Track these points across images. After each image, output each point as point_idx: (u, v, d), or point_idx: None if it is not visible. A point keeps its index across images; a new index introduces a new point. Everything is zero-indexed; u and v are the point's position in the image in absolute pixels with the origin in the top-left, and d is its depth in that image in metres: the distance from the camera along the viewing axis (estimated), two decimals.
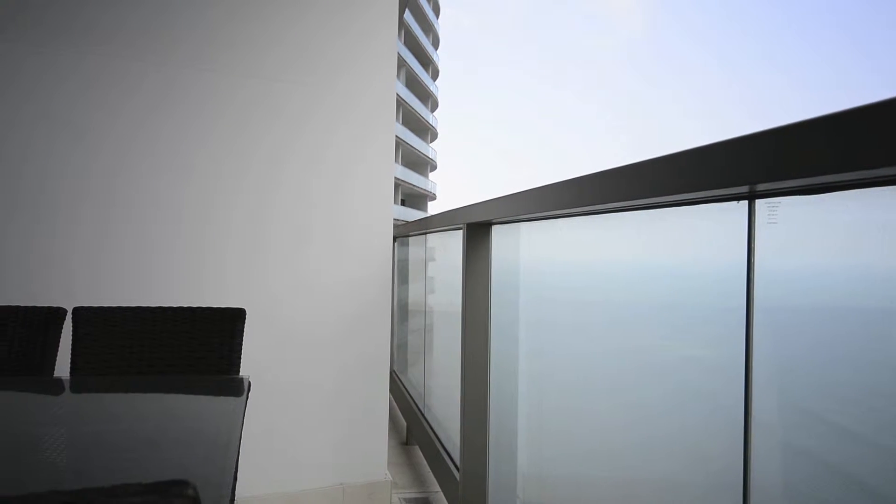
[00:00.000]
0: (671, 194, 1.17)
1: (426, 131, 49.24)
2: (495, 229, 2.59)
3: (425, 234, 4.10)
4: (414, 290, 4.66)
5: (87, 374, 1.94)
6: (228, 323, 2.04)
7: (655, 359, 1.41)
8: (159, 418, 1.46)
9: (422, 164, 49.10)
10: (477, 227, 2.60)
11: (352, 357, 3.06)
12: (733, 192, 1.09)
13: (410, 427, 4.14)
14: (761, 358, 1.06)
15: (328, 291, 3.01)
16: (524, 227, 2.42)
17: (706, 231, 1.21)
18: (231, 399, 1.59)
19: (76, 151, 2.62)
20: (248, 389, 1.70)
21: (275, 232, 2.91)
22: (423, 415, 3.90)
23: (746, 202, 1.09)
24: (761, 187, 1.05)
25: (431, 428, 3.58)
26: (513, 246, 2.55)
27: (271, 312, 2.91)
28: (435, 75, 51.88)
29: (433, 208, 53.95)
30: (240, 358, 2.05)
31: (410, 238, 4.71)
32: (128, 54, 2.69)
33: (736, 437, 1.08)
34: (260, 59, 2.88)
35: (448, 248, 3.58)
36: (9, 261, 2.48)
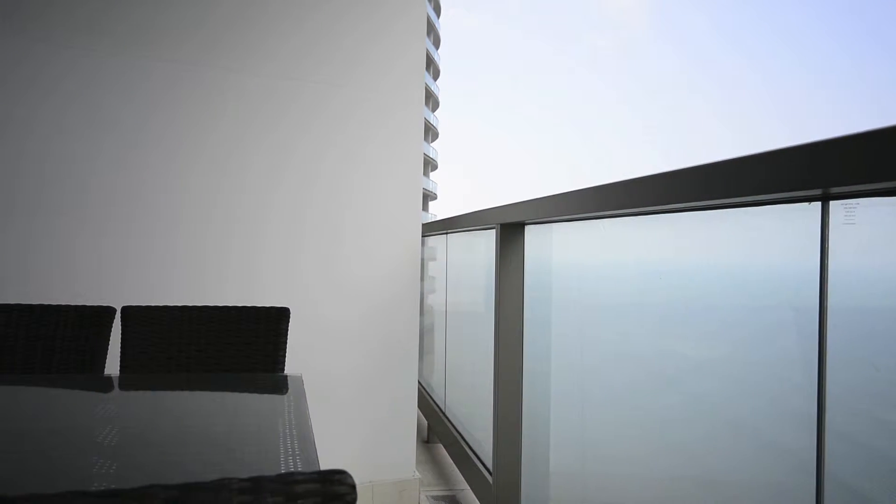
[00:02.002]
0: (741, 196, 1.20)
1: (427, 131, 49.32)
2: (528, 229, 2.62)
3: (446, 234, 4.13)
4: (429, 290, 4.69)
5: (138, 373, 1.96)
6: (274, 322, 2.07)
7: (715, 360, 1.43)
8: (229, 415, 1.48)
9: (423, 164, 49.13)
10: (510, 228, 2.62)
11: (381, 356, 3.08)
12: (805, 194, 1.12)
13: (432, 425, 4.16)
14: (835, 360, 1.08)
15: (358, 290, 3.04)
16: (558, 227, 2.44)
17: (771, 232, 1.24)
18: (291, 395, 1.62)
19: (124, 153, 2.64)
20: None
21: (309, 232, 2.94)
22: (444, 413, 3.92)
23: (819, 203, 1.12)
24: (835, 189, 1.07)
25: (454, 426, 3.61)
26: (545, 246, 2.58)
27: (304, 311, 2.93)
28: (436, 75, 51.93)
29: (433, 208, 54.08)
30: (285, 356, 2.08)
31: (429, 238, 4.74)
32: (176, 58, 2.71)
33: (808, 440, 1.10)
34: (299, 63, 2.91)
35: (472, 248, 3.60)
36: (59, 261, 2.52)
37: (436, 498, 3.20)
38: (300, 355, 2.93)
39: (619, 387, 2.03)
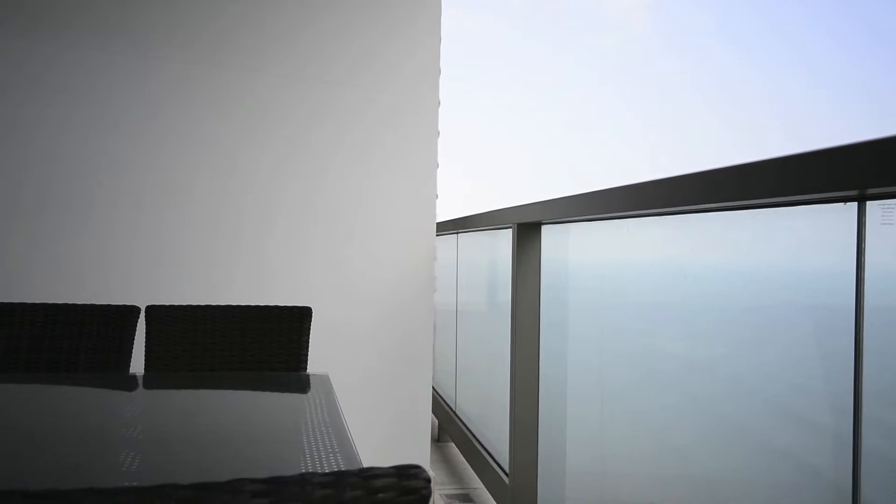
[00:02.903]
0: (776, 196, 1.21)
1: None
2: (545, 229, 2.63)
3: (457, 233, 4.14)
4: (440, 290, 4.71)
5: (163, 371, 1.98)
6: (297, 321, 2.08)
7: (745, 362, 1.44)
8: (264, 413, 1.50)
9: None
10: (527, 227, 2.63)
11: (396, 356, 3.10)
12: (842, 194, 1.13)
13: (442, 424, 4.18)
14: (872, 361, 1.09)
15: (373, 291, 3.05)
16: (576, 227, 2.45)
17: (805, 232, 1.25)
18: (321, 393, 1.63)
19: (140, 154, 2.66)
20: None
21: (324, 232, 2.95)
22: (455, 413, 3.94)
23: (856, 204, 1.13)
24: (873, 190, 1.09)
25: (466, 426, 3.62)
26: (562, 245, 2.59)
27: (318, 312, 2.94)
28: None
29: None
30: (307, 355, 2.09)
31: (438, 238, 4.75)
32: (186, 58, 2.73)
33: (845, 442, 1.10)
34: (312, 63, 2.92)
35: (485, 247, 3.62)
36: (83, 260, 2.54)
37: (450, 497, 3.22)
38: (313, 356, 2.94)
39: (638, 388, 2.04)
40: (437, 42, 3.14)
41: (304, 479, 0.58)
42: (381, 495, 0.59)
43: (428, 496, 0.62)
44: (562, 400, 2.54)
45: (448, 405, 4.14)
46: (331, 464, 1.09)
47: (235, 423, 1.40)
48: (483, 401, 3.54)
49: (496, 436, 3.12)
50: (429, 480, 0.62)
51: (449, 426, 3.96)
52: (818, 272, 1.21)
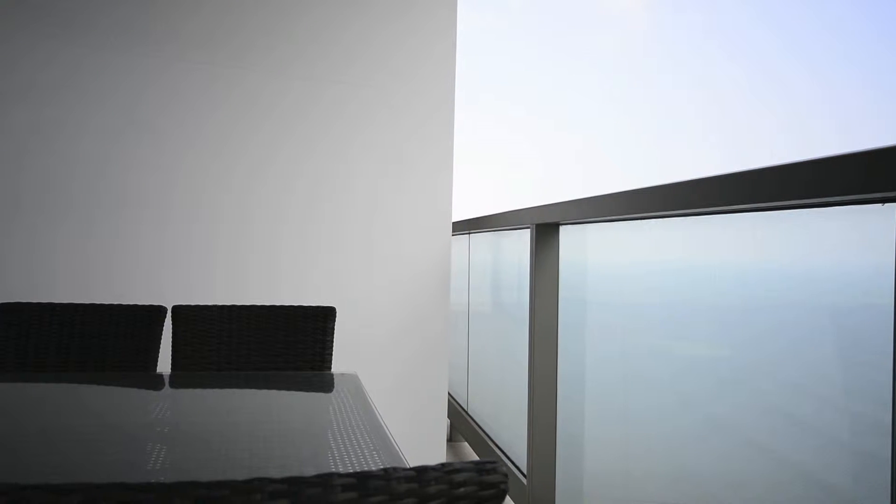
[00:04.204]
0: (815, 197, 1.22)
1: None
2: (562, 230, 2.65)
3: (468, 234, 4.16)
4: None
5: (189, 371, 1.99)
6: (321, 321, 2.10)
7: (777, 362, 1.45)
8: (299, 412, 1.51)
9: None
10: (545, 228, 2.65)
11: (411, 357, 3.11)
12: (879, 195, 1.15)
13: (454, 423, 4.19)
14: None
15: (388, 292, 3.07)
16: (594, 227, 2.47)
17: (841, 233, 1.26)
18: (353, 392, 1.65)
19: (167, 156, 2.68)
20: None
21: (339, 233, 2.97)
22: (467, 412, 3.95)
23: (894, 205, 1.14)
24: None
25: (479, 426, 3.64)
26: (580, 246, 2.61)
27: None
28: None
29: None
30: (332, 354, 2.10)
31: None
32: (209, 61, 2.75)
33: (883, 443, 1.11)
34: (341, 66, 2.97)
35: (499, 248, 3.64)
36: (110, 261, 2.57)
37: None
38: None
39: (659, 389, 2.06)
40: (452, 43, 3.15)
41: (389, 474, 0.59)
42: (462, 489, 0.61)
43: (506, 491, 0.63)
44: (580, 400, 2.55)
45: (459, 404, 4.15)
46: (374, 460, 1.10)
47: (273, 420, 1.41)
48: (497, 401, 3.56)
49: (511, 436, 3.13)
50: (506, 475, 0.63)
51: (461, 425, 3.97)
52: (858, 274, 1.23)
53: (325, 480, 0.57)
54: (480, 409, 3.81)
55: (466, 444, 3.95)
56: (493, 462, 0.63)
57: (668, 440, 2.01)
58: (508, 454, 3.15)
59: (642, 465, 2.17)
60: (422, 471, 0.60)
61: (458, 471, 0.61)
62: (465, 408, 4.05)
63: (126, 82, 2.66)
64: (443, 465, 0.61)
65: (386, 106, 3.04)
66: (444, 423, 3.21)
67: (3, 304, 1.93)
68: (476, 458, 3.59)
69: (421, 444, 3.15)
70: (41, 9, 2.56)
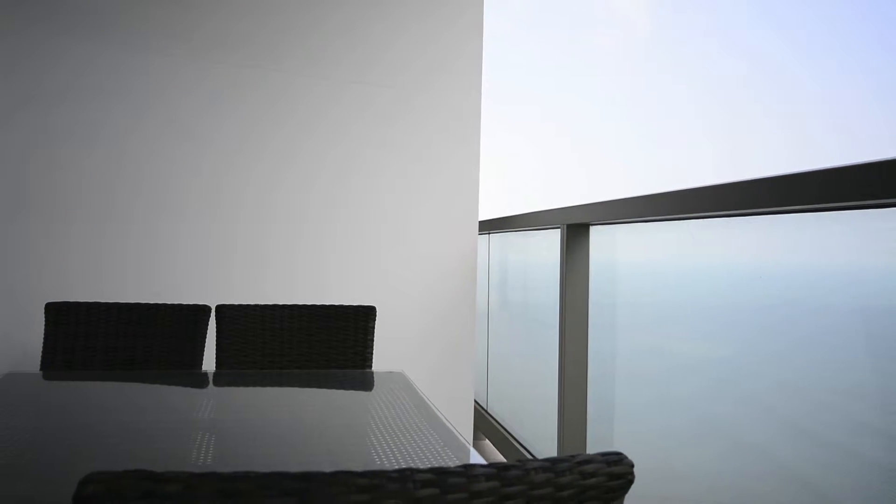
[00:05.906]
0: (857, 200, 1.24)
1: None
2: (593, 230, 2.67)
3: (489, 234, 4.18)
4: None
5: (234, 369, 2.01)
6: (362, 320, 2.12)
7: (821, 363, 1.47)
8: (354, 410, 1.53)
9: None
10: (576, 228, 2.67)
11: (439, 356, 3.14)
12: None
13: (475, 421, 4.21)
14: None
15: (416, 291, 3.09)
16: (624, 228, 2.49)
17: (881, 233, 1.28)
18: (407, 389, 1.67)
19: (208, 158, 2.75)
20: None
21: (370, 231, 3.01)
22: (486, 411, 3.98)
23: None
24: None
25: (501, 424, 3.66)
26: (610, 247, 2.63)
27: None
28: None
29: None
30: (372, 353, 2.13)
31: None
32: (249, 63, 2.79)
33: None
34: (366, 67, 3.01)
35: (524, 248, 3.66)
36: (154, 261, 2.62)
37: None
38: None
39: (695, 389, 2.07)
40: (479, 44, 3.18)
41: (523, 466, 0.62)
42: (592, 480, 0.63)
43: (632, 481, 0.66)
44: (610, 400, 2.57)
45: (479, 403, 4.17)
46: (447, 454, 1.12)
47: (334, 418, 1.43)
48: (521, 400, 3.58)
49: (537, 436, 3.15)
50: (632, 466, 0.66)
51: (481, 423, 3.99)
52: (883, 274, 1.24)
53: (468, 470, 0.59)
54: (501, 408, 3.83)
55: (488, 441, 3.97)
56: (619, 454, 0.65)
57: (702, 439, 2.03)
58: (532, 452, 3.17)
59: (676, 465, 2.19)
60: (554, 462, 0.62)
61: (587, 462, 0.64)
62: (486, 406, 4.07)
63: (169, 84, 2.70)
64: (573, 456, 0.63)
65: (413, 107, 3.07)
66: (471, 421, 3.23)
67: (51, 303, 1.96)
68: (500, 456, 3.62)
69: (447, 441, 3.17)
70: (66, 10, 2.59)
